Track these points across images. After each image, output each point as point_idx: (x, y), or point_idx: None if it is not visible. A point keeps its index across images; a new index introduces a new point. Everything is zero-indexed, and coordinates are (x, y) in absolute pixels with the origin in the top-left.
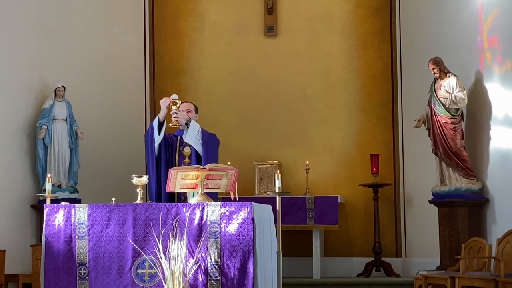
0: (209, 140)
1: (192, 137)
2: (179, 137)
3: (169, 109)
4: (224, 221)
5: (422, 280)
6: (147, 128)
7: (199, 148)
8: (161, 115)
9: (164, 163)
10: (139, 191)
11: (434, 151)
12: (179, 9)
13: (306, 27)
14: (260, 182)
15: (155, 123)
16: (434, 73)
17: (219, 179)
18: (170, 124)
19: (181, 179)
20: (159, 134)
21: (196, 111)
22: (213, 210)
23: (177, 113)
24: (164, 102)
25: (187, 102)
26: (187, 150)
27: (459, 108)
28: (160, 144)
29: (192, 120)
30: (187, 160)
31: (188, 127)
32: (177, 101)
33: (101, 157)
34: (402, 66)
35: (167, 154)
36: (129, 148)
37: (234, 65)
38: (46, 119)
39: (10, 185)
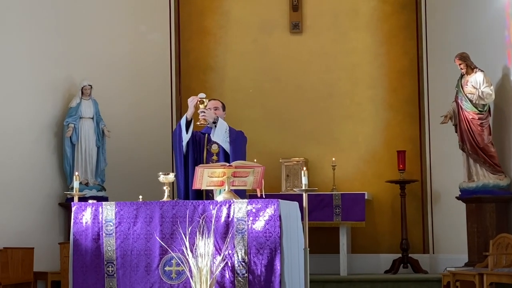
0: (237, 138)
1: (220, 136)
2: (206, 135)
3: (196, 107)
4: (251, 218)
5: (450, 276)
6: (173, 126)
7: (227, 147)
8: (189, 114)
9: (192, 161)
10: (166, 188)
11: (461, 147)
12: (205, 7)
13: (332, 24)
14: (286, 179)
15: (183, 122)
16: (461, 68)
17: (246, 176)
18: (198, 123)
19: (207, 176)
20: (187, 133)
21: (224, 108)
22: (240, 207)
23: (204, 112)
24: (191, 101)
25: (214, 99)
26: (215, 147)
27: (486, 104)
28: (188, 142)
29: (219, 118)
30: (215, 157)
31: (215, 126)
32: (204, 99)
33: (128, 155)
34: (428, 62)
35: (195, 152)
36: (155, 145)
37: (259, 63)
38: (73, 118)
39: (38, 183)
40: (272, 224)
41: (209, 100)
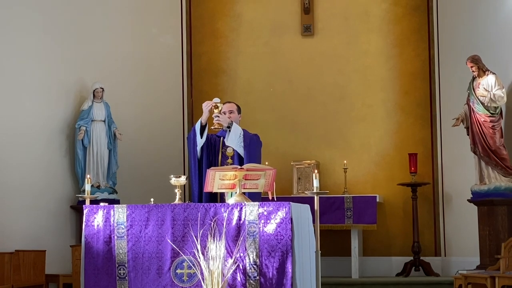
0: (251, 143)
1: (234, 140)
2: (222, 138)
3: (211, 112)
4: (262, 221)
5: (461, 279)
6: (184, 128)
7: (241, 151)
8: (203, 118)
9: (207, 164)
10: (178, 191)
11: (473, 149)
12: (216, 10)
13: (343, 26)
14: (298, 182)
15: (197, 126)
16: (473, 71)
17: (257, 179)
18: (212, 127)
19: (219, 179)
20: (201, 137)
21: (239, 111)
22: (251, 210)
23: (219, 116)
24: (206, 106)
25: (229, 102)
26: (229, 150)
27: (498, 106)
28: (202, 146)
29: (234, 123)
30: (229, 160)
31: (230, 130)
32: (218, 104)
33: (140, 158)
34: (440, 65)
35: (209, 155)
36: (167, 148)
37: (271, 65)
38: (85, 121)
39: (49, 186)
40: (283, 227)
41: (224, 103)
